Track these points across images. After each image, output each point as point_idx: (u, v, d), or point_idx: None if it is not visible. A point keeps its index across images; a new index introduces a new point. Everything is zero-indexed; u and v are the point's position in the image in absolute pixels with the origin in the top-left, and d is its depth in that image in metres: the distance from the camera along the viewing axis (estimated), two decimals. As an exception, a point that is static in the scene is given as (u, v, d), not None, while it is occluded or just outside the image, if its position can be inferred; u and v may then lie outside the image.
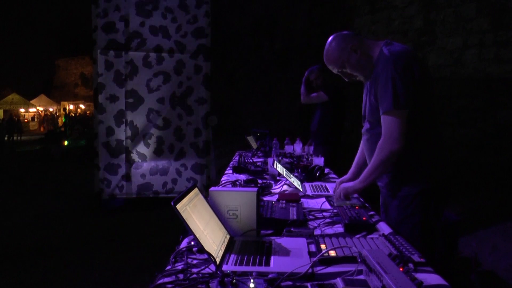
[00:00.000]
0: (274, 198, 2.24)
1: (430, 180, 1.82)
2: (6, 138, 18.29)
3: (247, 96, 14.05)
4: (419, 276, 1.13)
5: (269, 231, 1.68)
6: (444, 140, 1.94)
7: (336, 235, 1.55)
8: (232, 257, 1.36)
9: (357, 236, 1.59)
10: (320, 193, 2.41)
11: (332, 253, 1.34)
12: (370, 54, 1.87)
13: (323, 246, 1.39)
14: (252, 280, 1.08)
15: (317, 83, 4.37)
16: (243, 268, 1.26)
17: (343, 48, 1.89)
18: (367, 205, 2.00)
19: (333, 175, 3.10)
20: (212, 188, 1.68)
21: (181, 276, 1.21)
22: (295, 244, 1.49)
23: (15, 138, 19.41)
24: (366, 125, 1.98)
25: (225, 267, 1.27)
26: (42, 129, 26.84)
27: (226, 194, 1.64)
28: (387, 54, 1.79)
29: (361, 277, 1.16)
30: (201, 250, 1.27)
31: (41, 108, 31.74)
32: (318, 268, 1.27)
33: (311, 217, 1.90)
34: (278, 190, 2.49)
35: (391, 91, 1.73)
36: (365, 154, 2.05)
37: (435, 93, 1.92)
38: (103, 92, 5.67)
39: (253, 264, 1.30)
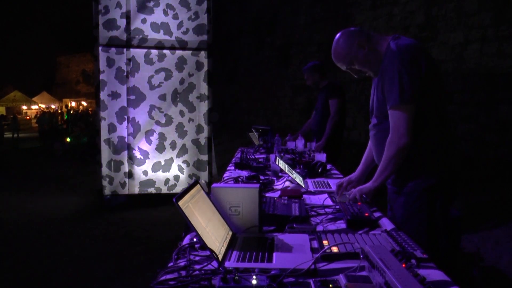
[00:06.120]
0: (276, 194, 2.24)
1: (437, 176, 1.80)
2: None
3: (249, 92, 14.04)
4: (422, 272, 1.13)
5: (271, 228, 1.68)
6: (453, 136, 1.92)
7: (339, 231, 1.55)
8: (235, 254, 1.35)
9: (360, 232, 1.59)
10: (322, 189, 2.41)
11: (335, 249, 1.34)
12: (378, 49, 1.85)
13: (325, 242, 1.39)
14: (254, 277, 1.08)
15: (310, 83, 4.35)
16: (246, 265, 1.25)
17: (350, 44, 1.87)
18: (368, 200, 1.99)
19: (335, 171, 3.10)
20: (214, 185, 1.67)
21: (183, 272, 1.21)
22: (298, 240, 1.49)
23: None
24: (373, 121, 1.97)
25: (227, 264, 1.27)
26: (45, 126, 26.88)
27: (228, 190, 1.63)
28: (394, 48, 1.77)
29: (364, 273, 1.16)
30: (203, 246, 1.27)
31: (43, 105, 31.79)
32: (320, 265, 1.27)
33: (313, 213, 1.90)
34: (280, 187, 2.49)
35: (397, 86, 1.71)
36: (372, 149, 2.03)
37: (443, 88, 1.90)
38: (105, 89, 5.67)
39: (256, 261, 1.30)
